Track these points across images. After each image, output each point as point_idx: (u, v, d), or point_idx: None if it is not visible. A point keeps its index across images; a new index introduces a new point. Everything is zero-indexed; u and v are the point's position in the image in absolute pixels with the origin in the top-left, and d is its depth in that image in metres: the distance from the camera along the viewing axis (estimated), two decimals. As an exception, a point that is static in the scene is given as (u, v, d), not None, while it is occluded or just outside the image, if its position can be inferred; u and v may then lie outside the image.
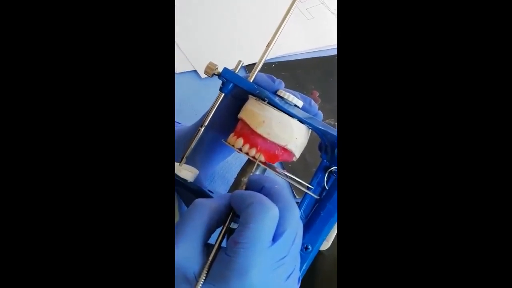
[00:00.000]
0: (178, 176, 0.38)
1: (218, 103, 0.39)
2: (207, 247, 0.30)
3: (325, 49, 0.71)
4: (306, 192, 0.39)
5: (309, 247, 0.37)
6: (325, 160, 0.39)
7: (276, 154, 0.37)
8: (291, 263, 0.31)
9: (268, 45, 0.39)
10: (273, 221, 0.29)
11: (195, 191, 0.41)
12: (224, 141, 0.39)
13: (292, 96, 0.38)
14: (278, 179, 0.34)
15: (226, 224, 0.32)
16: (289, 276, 0.31)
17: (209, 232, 0.31)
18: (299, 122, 0.38)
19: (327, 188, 0.39)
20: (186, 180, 0.38)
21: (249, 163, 0.38)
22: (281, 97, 0.38)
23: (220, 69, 0.38)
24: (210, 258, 0.29)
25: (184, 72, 0.65)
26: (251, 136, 0.37)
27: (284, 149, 0.37)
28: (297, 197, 0.55)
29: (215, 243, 0.30)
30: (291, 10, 0.39)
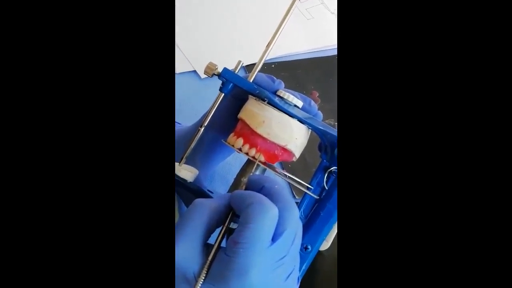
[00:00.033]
0: (178, 176, 0.38)
1: (218, 103, 0.39)
2: (206, 247, 0.30)
3: (324, 49, 0.71)
4: (305, 192, 0.39)
5: (309, 247, 0.37)
6: (324, 160, 0.39)
7: (276, 154, 0.37)
8: (290, 263, 0.31)
9: (268, 45, 0.39)
10: (273, 221, 0.29)
11: (194, 191, 0.41)
12: (224, 141, 0.39)
13: (292, 96, 0.38)
14: (278, 179, 0.34)
15: (226, 224, 0.32)
16: (289, 276, 0.31)
17: (208, 232, 0.31)
18: (299, 122, 0.38)
19: (326, 188, 0.39)
20: (185, 180, 0.38)
21: (249, 163, 0.38)
22: (281, 97, 0.38)
23: (220, 69, 0.38)
24: (210, 258, 0.29)
25: (184, 72, 0.65)
26: (251, 136, 0.37)
27: (284, 149, 0.37)
28: (296, 197, 0.55)
29: (215, 243, 0.30)
30: (291, 10, 0.39)
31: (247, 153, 0.37)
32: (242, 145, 0.37)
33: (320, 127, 0.38)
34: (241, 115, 0.38)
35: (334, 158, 0.38)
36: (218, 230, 0.32)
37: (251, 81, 0.38)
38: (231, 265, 0.28)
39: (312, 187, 0.39)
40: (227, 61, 0.41)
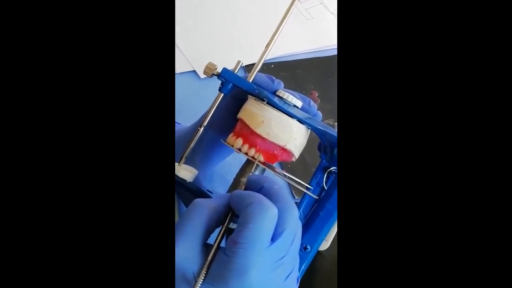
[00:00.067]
0: (177, 176, 0.38)
1: (217, 103, 0.39)
2: (206, 247, 0.30)
3: (324, 49, 0.71)
4: (305, 192, 0.39)
5: (308, 247, 0.37)
6: (324, 160, 0.39)
7: (275, 154, 0.37)
8: (290, 263, 0.31)
9: (267, 45, 0.39)
10: (272, 221, 0.29)
11: (194, 191, 0.41)
12: (223, 141, 0.39)
13: (291, 96, 0.38)
14: (277, 179, 0.34)
15: (225, 224, 0.32)
16: (288, 276, 0.31)
17: (208, 232, 0.31)
18: (298, 122, 0.38)
19: (326, 188, 0.39)
20: (185, 180, 0.38)
21: (248, 163, 0.38)
22: (280, 97, 0.38)
23: (219, 69, 0.38)
24: (209, 258, 0.29)
25: (184, 73, 0.65)
26: (250, 136, 0.37)
27: (283, 149, 0.37)
28: (296, 197, 0.55)
29: (214, 243, 0.30)
30: (291, 11, 0.39)
31: (246, 153, 0.37)
32: (242, 145, 0.37)
33: (320, 127, 0.38)
34: (241, 115, 0.38)
35: (333, 158, 0.38)
36: (217, 230, 0.32)
37: (250, 81, 0.38)
38: (230, 265, 0.28)
39: (312, 187, 0.39)
40: (227, 61, 0.41)
